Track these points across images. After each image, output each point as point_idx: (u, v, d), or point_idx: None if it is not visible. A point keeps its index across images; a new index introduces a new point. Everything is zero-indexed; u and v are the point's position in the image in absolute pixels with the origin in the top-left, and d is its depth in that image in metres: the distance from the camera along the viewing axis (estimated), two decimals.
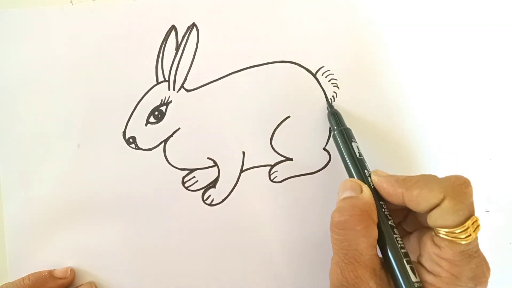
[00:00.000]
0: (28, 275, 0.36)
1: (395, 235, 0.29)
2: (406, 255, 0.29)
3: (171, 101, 0.37)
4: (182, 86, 0.37)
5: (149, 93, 0.37)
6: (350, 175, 0.32)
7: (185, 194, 0.37)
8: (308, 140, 0.37)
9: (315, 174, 0.37)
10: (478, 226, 0.26)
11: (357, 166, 0.32)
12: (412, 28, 0.37)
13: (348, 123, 0.35)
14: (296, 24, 0.37)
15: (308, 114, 0.37)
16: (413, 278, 0.27)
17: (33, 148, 0.37)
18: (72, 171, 0.37)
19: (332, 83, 0.37)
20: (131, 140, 0.37)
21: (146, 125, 0.37)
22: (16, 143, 0.37)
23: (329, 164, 0.37)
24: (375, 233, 0.29)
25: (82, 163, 0.37)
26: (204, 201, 0.37)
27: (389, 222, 0.30)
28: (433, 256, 0.27)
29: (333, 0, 0.37)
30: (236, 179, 0.37)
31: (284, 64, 0.37)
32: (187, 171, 0.37)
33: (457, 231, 0.26)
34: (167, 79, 0.37)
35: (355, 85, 0.37)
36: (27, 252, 0.37)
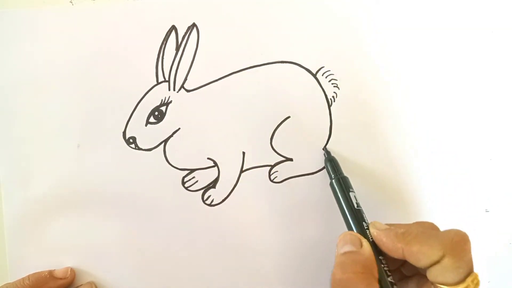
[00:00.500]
0: (28, 275, 0.36)
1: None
2: None
3: (171, 101, 0.37)
4: (182, 86, 0.37)
5: (149, 93, 0.37)
6: (349, 227, 0.32)
7: (185, 194, 0.37)
8: (308, 141, 0.37)
9: (315, 175, 0.37)
10: (478, 282, 0.26)
11: (356, 218, 0.32)
12: (411, 29, 0.37)
13: (348, 123, 0.35)
14: (296, 24, 0.37)
15: (308, 114, 0.37)
16: None
17: (33, 148, 0.37)
18: (72, 171, 0.37)
19: (332, 83, 0.37)
20: (131, 140, 0.37)
21: (146, 125, 0.37)
22: (16, 143, 0.37)
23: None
24: None
25: (82, 163, 0.37)
26: (204, 201, 0.37)
27: (389, 279, 0.29)
28: None
29: (333, 1, 0.37)
30: (236, 179, 0.37)
31: (284, 64, 0.37)
32: (187, 171, 0.37)
33: None
34: (167, 79, 0.37)
35: (355, 86, 0.37)
36: (27, 252, 0.37)
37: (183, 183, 0.37)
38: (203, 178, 0.37)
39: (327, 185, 0.36)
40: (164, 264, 0.37)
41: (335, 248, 0.37)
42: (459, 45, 0.38)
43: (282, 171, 0.37)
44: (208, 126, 0.37)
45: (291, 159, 0.37)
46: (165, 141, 0.37)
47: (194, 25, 0.37)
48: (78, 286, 0.37)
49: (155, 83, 0.37)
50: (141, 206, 0.37)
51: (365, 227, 0.31)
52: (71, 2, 0.37)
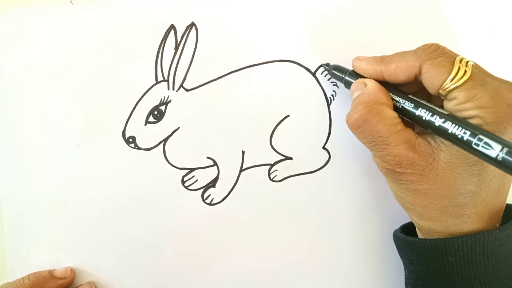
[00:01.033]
0: (28, 275, 0.36)
1: (409, 99, 0.29)
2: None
3: (170, 100, 0.37)
4: (181, 86, 0.37)
5: (148, 92, 0.37)
6: None
7: (184, 193, 0.37)
8: (308, 139, 0.37)
9: (314, 173, 0.37)
10: (467, 61, 0.27)
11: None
12: (411, 28, 0.37)
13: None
14: (295, 22, 0.37)
15: (307, 113, 0.37)
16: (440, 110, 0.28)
17: (33, 148, 0.37)
18: (71, 171, 0.37)
19: (331, 82, 0.37)
20: (130, 140, 0.37)
21: (145, 124, 0.37)
22: (15, 143, 0.38)
23: (328, 163, 0.37)
24: (389, 113, 0.29)
25: (82, 163, 0.37)
26: (203, 200, 0.37)
27: (398, 97, 0.30)
28: (456, 107, 0.27)
29: (332, 0, 0.37)
30: (235, 178, 0.37)
31: (283, 63, 0.37)
32: (186, 171, 0.37)
33: (456, 77, 0.27)
34: (166, 78, 0.37)
35: None
36: (27, 252, 0.38)
37: (183, 182, 0.37)
38: (203, 177, 0.37)
39: (326, 184, 0.37)
40: (164, 263, 0.37)
41: (335, 247, 0.37)
42: (460, 46, 0.38)
43: (282, 170, 0.37)
44: (207, 125, 0.37)
45: (290, 158, 0.37)
46: (165, 140, 0.37)
47: (193, 24, 0.37)
48: (78, 286, 0.37)
49: (154, 82, 0.37)
50: (141, 206, 0.37)
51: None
52: (71, 2, 0.37)
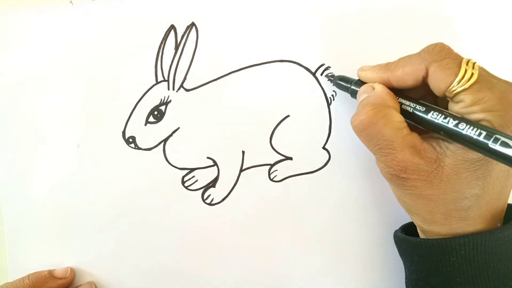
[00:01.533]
0: (28, 275, 0.36)
1: (419, 103, 0.29)
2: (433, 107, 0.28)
3: (170, 100, 0.37)
4: (181, 86, 0.37)
5: (148, 92, 0.37)
6: None
7: (185, 193, 0.37)
8: (308, 139, 0.37)
9: (314, 173, 0.37)
10: (474, 63, 0.27)
11: None
12: (411, 28, 0.37)
13: (348, 122, 0.35)
14: (295, 22, 0.37)
15: (307, 113, 0.37)
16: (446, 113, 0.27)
17: (32, 148, 0.37)
18: (71, 171, 0.37)
19: (328, 78, 0.37)
20: (130, 140, 0.37)
21: (145, 124, 0.37)
22: (16, 143, 0.38)
23: (328, 163, 0.37)
24: (396, 117, 0.29)
25: (82, 163, 0.37)
26: (204, 200, 0.37)
27: (408, 101, 0.30)
28: (463, 110, 0.27)
29: (332, 0, 0.37)
30: (235, 178, 0.37)
31: (284, 63, 0.37)
32: (186, 171, 0.37)
33: (463, 79, 0.26)
34: (166, 78, 0.37)
35: None
36: (27, 252, 0.38)
37: (183, 182, 0.37)
38: (203, 177, 0.37)
39: (327, 184, 0.37)
40: (164, 263, 0.37)
41: (335, 247, 0.37)
42: (460, 46, 0.37)
43: (282, 170, 0.37)
44: (207, 125, 0.37)
45: (290, 158, 0.37)
46: (165, 140, 0.37)
47: (193, 24, 0.37)
48: (78, 286, 0.37)
49: (154, 82, 0.37)
50: (141, 206, 0.37)
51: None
52: (71, 2, 0.37)
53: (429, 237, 0.30)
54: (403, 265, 0.34)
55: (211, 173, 0.37)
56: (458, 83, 0.26)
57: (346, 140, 0.37)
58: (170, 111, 0.37)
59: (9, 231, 0.38)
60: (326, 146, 0.37)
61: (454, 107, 0.28)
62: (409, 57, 0.30)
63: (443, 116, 0.27)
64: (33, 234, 0.38)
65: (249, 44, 0.37)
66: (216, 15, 0.37)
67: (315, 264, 0.37)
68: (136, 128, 0.37)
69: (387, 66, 0.31)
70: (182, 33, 0.37)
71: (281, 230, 0.37)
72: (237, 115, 0.37)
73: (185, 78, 0.37)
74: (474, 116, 0.26)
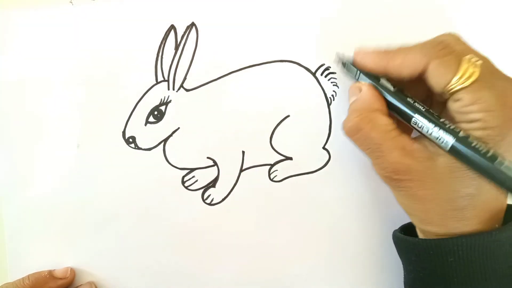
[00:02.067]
0: (28, 275, 0.36)
1: (403, 101, 0.29)
2: (419, 105, 0.29)
3: (170, 100, 0.37)
4: (181, 86, 0.37)
5: (148, 92, 0.37)
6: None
7: (185, 193, 0.37)
8: (308, 139, 0.37)
9: (314, 173, 0.37)
10: (476, 60, 0.26)
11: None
12: (411, 28, 0.37)
13: None
14: (295, 23, 0.37)
15: (307, 113, 0.37)
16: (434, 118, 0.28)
17: (32, 148, 0.37)
18: (71, 171, 0.37)
19: (331, 82, 0.37)
20: (130, 140, 0.37)
21: (145, 124, 0.37)
22: (15, 143, 0.38)
23: (328, 163, 0.37)
24: (382, 120, 0.29)
25: (82, 163, 0.37)
26: (204, 200, 0.37)
27: (396, 100, 0.30)
28: (461, 109, 0.27)
29: (332, 0, 0.37)
30: (235, 178, 0.37)
31: (283, 63, 0.37)
32: (186, 171, 0.37)
33: (463, 77, 0.26)
34: (166, 78, 0.37)
35: None
36: (27, 252, 0.38)
37: (183, 182, 0.37)
38: (203, 177, 0.37)
39: (327, 184, 0.37)
40: (164, 263, 0.37)
41: (335, 247, 0.37)
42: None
43: (282, 170, 0.37)
44: (207, 125, 0.37)
45: (290, 158, 0.37)
46: (165, 140, 0.37)
47: (193, 24, 0.37)
48: (78, 286, 0.37)
49: (155, 82, 0.37)
50: (141, 206, 0.37)
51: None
52: (71, 2, 0.37)
53: (427, 237, 0.30)
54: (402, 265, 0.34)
55: (211, 173, 0.37)
56: (458, 81, 0.26)
57: (346, 140, 0.36)
58: (170, 111, 0.37)
59: (9, 231, 0.38)
60: (326, 146, 0.37)
61: (452, 106, 0.27)
62: (410, 48, 0.29)
63: (411, 102, 0.28)
64: (33, 234, 0.38)
65: (249, 44, 0.37)
66: (216, 15, 0.37)
67: (315, 264, 0.37)
68: (136, 128, 0.37)
69: (386, 53, 0.30)
70: (182, 33, 0.37)
71: (281, 230, 0.37)
72: (237, 115, 0.37)
73: (185, 78, 0.37)
74: (471, 116, 0.26)
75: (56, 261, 0.37)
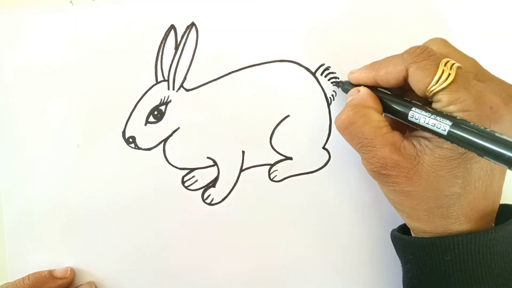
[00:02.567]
0: (28, 275, 0.36)
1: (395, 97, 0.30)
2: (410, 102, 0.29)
3: (170, 100, 0.37)
4: (181, 86, 0.37)
5: (148, 92, 0.37)
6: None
7: (184, 193, 0.37)
8: (308, 139, 0.37)
9: (314, 173, 0.37)
10: (452, 63, 0.27)
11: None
12: (411, 29, 0.37)
13: None
14: (295, 23, 0.37)
15: (307, 113, 0.37)
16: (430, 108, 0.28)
17: (32, 148, 0.37)
18: (71, 171, 0.37)
19: (331, 82, 0.37)
20: (130, 140, 0.37)
21: (145, 124, 0.37)
22: (15, 143, 0.38)
23: (328, 163, 0.37)
24: (375, 116, 0.30)
25: (82, 163, 0.37)
26: (204, 200, 0.37)
27: (389, 99, 0.31)
28: (442, 110, 0.27)
29: (332, 0, 0.37)
30: (235, 178, 0.37)
31: (283, 63, 0.37)
32: (186, 171, 0.37)
33: (440, 79, 0.27)
34: (166, 78, 0.37)
35: None
36: (27, 252, 0.38)
37: (183, 182, 0.37)
38: (203, 177, 0.37)
39: (327, 184, 0.37)
40: (164, 263, 0.37)
41: (334, 247, 0.37)
42: (459, 46, 0.38)
43: (282, 170, 0.37)
44: (207, 125, 0.37)
45: (290, 158, 0.37)
46: (165, 140, 0.37)
47: (193, 24, 0.37)
48: (78, 286, 0.37)
49: (155, 82, 0.37)
50: (141, 206, 0.37)
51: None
52: (71, 2, 0.37)
53: (418, 235, 0.31)
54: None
55: (211, 173, 0.37)
56: (436, 83, 0.27)
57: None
58: (170, 111, 0.37)
59: (9, 231, 0.37)
60: (326, 146, 0.37)
61: (435, 107, 0.28)
62: (392, 57, 0.31)
63: (410, 106, 0.29)
64: (33, 234, 0.38)
65: (249, 44, 0.37)
66: (216, 15, 0.37)
67: (315, 264, 0.37)
68: (136, 128, 0.37)
69: (372, 66, 0.32)
70: (182, 33, 0.37)
71: (281, 230, 0.37)
72: (237, 115, 0.37)
73: (185, 78, 0.37)
74: None
75: (56, 261, 0.37)
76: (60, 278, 0.36)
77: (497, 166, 0.28)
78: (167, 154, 0.37)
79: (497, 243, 0.28)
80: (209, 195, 0.37)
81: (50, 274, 0.36)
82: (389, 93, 0.32)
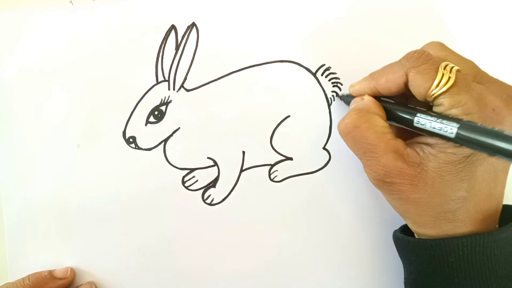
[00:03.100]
0: (28, 275, 0.36)
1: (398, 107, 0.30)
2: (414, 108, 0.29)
3: (171, 100, 0.37)
4: (182, 86, 0.37)
5: (149, 92, 0.37)
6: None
7: (185, 193, 0.37)
8: (308, 140, 0.37)
9: (315, 174, 0.37)
10: (452, 67, 0.27)
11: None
12: (411, 29, 0.37)
13: None
14: (295, 23, 0.37)
15: (308, 113, 0.37)
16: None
17: (32, 148, 0.37)
18: (72, 171, 0.37)
19: (331, 83, 0.37)
20: (131, 140, 0.37)
21: (146, 124, 0.37)
22: (15, 143, 0.37)
23: (329, 164, 0.37)
24: (379, 122, 0.30)
25: (82, 163, 0.37)
26: (204, 200, 0.37)
27: (393, 106, 0.31)
28: (444, 114, 0.27)
29: (332, 0, 0.37)
30: (236, 178, 0.37)
31: (284, 63, 0.37)
32: (187, 171, 0.37)
33: (440, 83, 0.27)
34: (167, 78, 0.37)
35: None
36: (27, 252, 0.37)
37: (183, 182, 0.37)
38: (203, 177, 0.37)
39: (327, 184, 0.37)
40: (164, 263, 0.37)
41: (335, 247, 0.37)
42: (459, 47, 0.38)
43: (282, 170, 0.37)
44: (208, 126, 0.37)
45: (291, 158, 0.37)
46: (165, 140, 0.37)
47: (193, 24, 0.37)
48: (78, 286, 0.37)
49: (155, 82, 0.37)
50: (141, 206, 0.37)
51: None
52: (71, 2, 0.37)
53: (421, 237, 0.31)
54: (402, 266, 0.34)
55: (211, 173, 0.37)
56: (436, 87, 0.27)
57: None
58: (170, 111, 0.37)
59: (9, 231, 0.37)
60: (326, 147, 0.37)
61: (436, 111, 0.28)
62: (390, 65, 0.31)
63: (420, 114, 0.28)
64: (33, 234, 0.38)
65: (249, 45, 0.37)
66: (217, 15, 0.37)
67: (315, 264, 0.37)
68: (137, 128, 0.37)
69: (372, 76, 0.32)
70: (182, 33, 0.37)
71: (281, 230, 0.37)
72: (238, 115, 0.37)
73: (185, 78, 0.37)
74: None
75: (56, 261, 0.37)
76: (60, 278, 0.36)
77: (500, 167, 0.28)
78: (167, 154, 0.37)
79: (502, 244, 0.28)
80: (209, 195, 0.37)
81: (50, 274, 0.36)
82: (392, 101, 0.31)
